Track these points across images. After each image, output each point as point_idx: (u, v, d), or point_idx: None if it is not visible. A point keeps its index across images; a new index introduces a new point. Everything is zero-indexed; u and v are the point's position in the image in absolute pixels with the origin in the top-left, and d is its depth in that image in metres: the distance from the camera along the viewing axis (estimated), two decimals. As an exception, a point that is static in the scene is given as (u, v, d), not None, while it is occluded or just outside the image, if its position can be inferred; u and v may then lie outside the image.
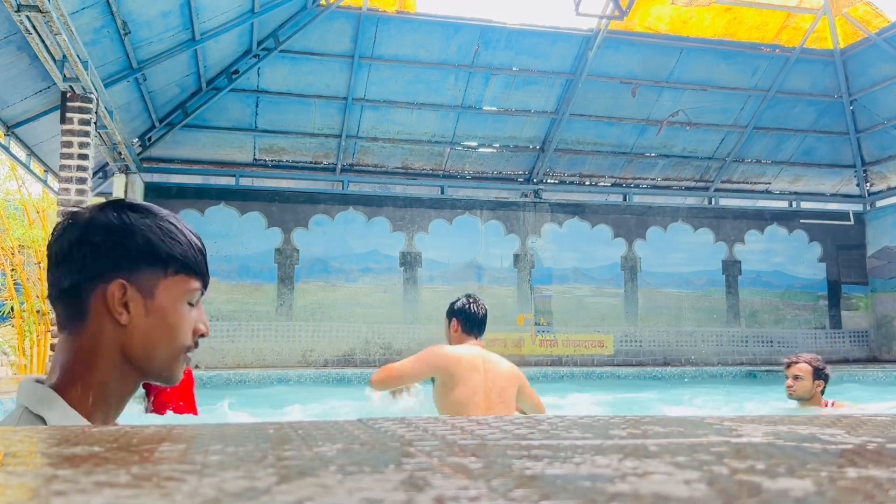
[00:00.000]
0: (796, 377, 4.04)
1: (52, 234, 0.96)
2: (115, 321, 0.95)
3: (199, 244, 1.03)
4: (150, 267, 0.96)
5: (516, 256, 9.82)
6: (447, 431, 0.63)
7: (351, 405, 5.31)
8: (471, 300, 3.91)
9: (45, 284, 0.99)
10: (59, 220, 1.00)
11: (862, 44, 9.30)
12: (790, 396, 4.07)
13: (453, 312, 3.90)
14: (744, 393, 7.04)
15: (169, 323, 0.99)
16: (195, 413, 3.80)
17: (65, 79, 5.39)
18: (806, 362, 4.07)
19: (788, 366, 4.14)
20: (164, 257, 0.97)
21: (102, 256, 0.94)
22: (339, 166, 9.64)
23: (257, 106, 9.00)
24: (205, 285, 1.04)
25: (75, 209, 0.99)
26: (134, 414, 3.56)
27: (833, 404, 4.22)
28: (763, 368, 9.25)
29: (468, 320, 3.92)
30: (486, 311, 3.94)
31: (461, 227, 9.71)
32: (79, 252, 0.93)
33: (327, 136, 9.42)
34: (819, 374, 4.02)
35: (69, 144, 5.58)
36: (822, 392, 4.05)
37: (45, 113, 6.83)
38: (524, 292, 9.74)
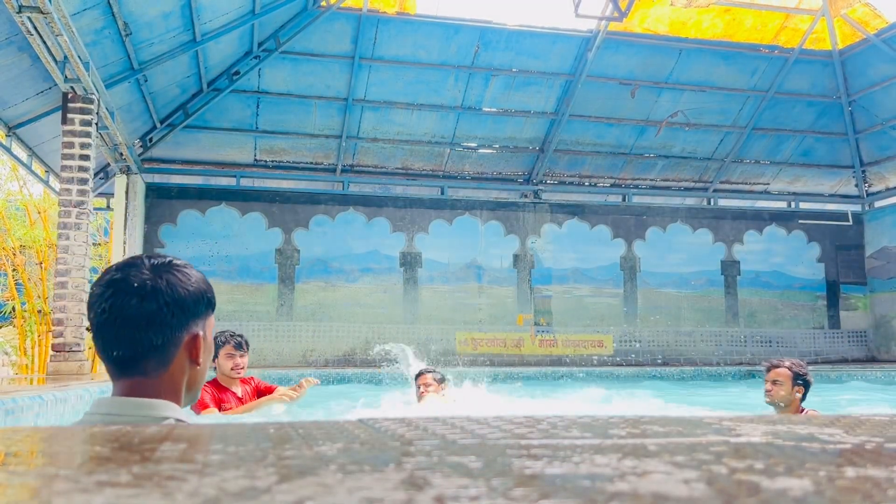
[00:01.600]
0: (774, 382, 3.79)
1: (126, 297, 1.10)
2: (193, 364, 1.17)
3: None
4: (206, 312, 1.19)
5: (516, 257, 9.82)
6: (447, 431, 0.64)
7: (351, 405, 5.30)
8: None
9: (130, 345, 1.11)
10: (132, 281, 1.11)
11: (860, 45, 9.30)
12: (768, 402, 3.82)
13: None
14: (743, 393, 7.04)
15: (210, 354, 1.22)
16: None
17: (66, 80, 5.40)
18: (786, 367, 3.81)
19: (768, 370, 3.88)
20: (212, 303, 1.20)
21: (184, 315, 1.13)
22: (340, 167, 9.64)
23: (258, 107, 9.00)
24: None
25: (124, 275, 1.12)
26: None
27: (807, 413, 3.85)
28: (762, 369, 9.24)
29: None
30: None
31: (461, 227, 9.71)
32: (167, 314, 1.11)
33: (328, 137, 9.42)
34: (798, 380, 3.77)
35: (70, 145, 5.58)
36: (802, 399, 3.80)
37: (47, 114, 6.83)
38: (524, 292, 9.74)
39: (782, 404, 3.78)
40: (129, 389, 1.12)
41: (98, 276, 1.17)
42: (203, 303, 1.16)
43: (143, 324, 1.09)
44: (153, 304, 1.09)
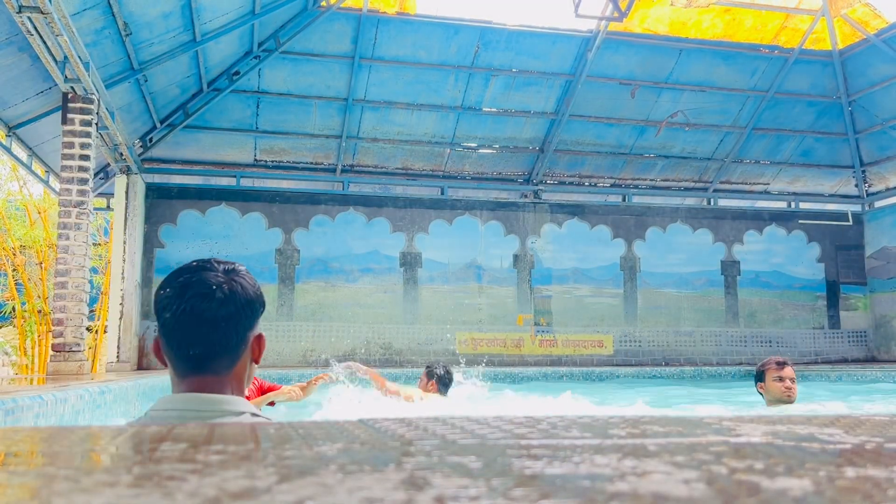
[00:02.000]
0: (794, 379, 3.63)
1: (206, 300, 1.19)
2: (253, 361, 1.28)
3: None
4: (261, 313, 1.29)
5: (516, 257, 9.82)
6: (447, 431, 0.64)
7: (351, 405, 5.30)
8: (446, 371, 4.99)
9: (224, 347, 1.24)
10: (210, 284, 1.21)
11: (860, 45, 9.30)
12: (789, 400, 3.60)
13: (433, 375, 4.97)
14: (743, 393, 7.03)
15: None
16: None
17: (66, 80, 5.40)
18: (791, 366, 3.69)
19: (782, 366, 3.69)
20: (265, 304, 1.30)
21: (253, 316, 1.24)
22: (340, 167, 9.64)
23: (258, 107, 9.00)
24: None
25: (200, 278, 1.21)
26: None
27: None
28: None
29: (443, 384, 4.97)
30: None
31: (461, 227, 9.71)
32: (241, 316, 1.21)
33: (328, 137, 9.42)
34: None
35: (70, 145, 5.58)
36: None
37: (47, 114, 6.83)
38: (524, 293, 9.74)
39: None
40: (201, 386, 1.20)
41: (166, 277, 1.25)
42: (262, 304, 1.28)
43: (222, 325, 1.19)
44: (231, 307, 1.20)
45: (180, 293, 1.18)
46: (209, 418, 1.14)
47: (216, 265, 1.22)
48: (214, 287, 1.18)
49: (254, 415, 1.19)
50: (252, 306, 1.23)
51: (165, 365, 1.25)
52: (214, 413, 1.16)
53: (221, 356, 1.20)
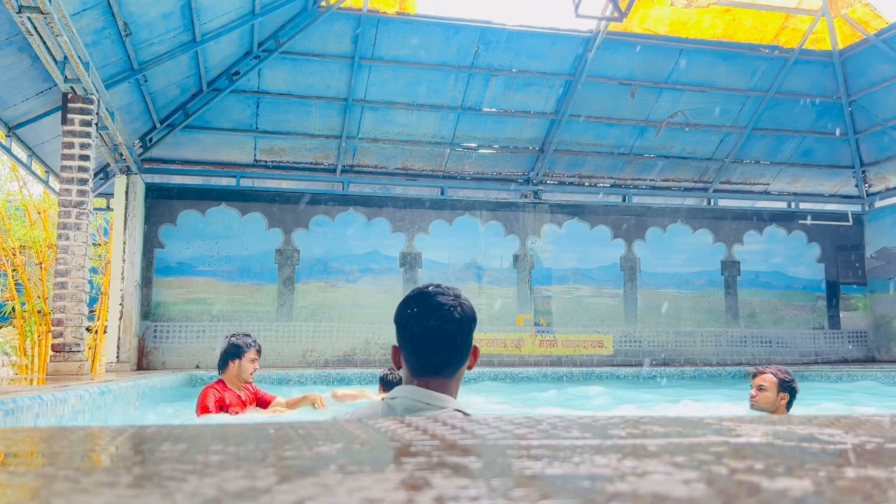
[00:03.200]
0: (760, 388, 3.79)
1: (445, 323, 1.54)
2: (467, 367, 1.63)
3: None
4: None
5: (516, 257, 9.82)
6: (447, 431, 0.64)
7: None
8: None
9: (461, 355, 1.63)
10: (436, 310, 1.58)
11: (860, 45, 9.30)
12: (752, 407, 3.81)
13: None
14: (743, 393, 7.02)
15: None
16: None
17: (66, 80, 5.40)
18: (772, 373, 3.79)
19: (754, 376, 3.88)
20: None
21: (472, 332, 1.60)
22: (340, 167, 9.64)
23: (258, 107, 9.00)
24: None
25: (440, 303, 1.57)
26: None
27: None
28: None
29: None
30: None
31: (461, 227, 9.71)
32: (469, 332, 1.59)
33: (328, 137, 9.42)
34: (784, 387, 3.75)
35: (70, 145, 5.58)
36: (788, 406, 3.76)
37: (47, 114, 6.83)
38: (524, 293, 9.74)
39: (767, 410, 3.76)
40: (434, 385, 1.54)
41: (407, 295, 1.61)
42: (476, 320, 1.62)
43: (459, 341, 1.55)
44: (467, 327, 1.56)
45: (424, 314, 1.54)
46: (432, 410, 1.50)
47: (449, 291, 1.59)
48: (456, 315, 1.55)
49: (458, 411, 1.51)
50: (473, 324, 1.58)
51: (400, 367, 1.61)
52: (435, 407, 1.50)
53: (452, 364, 1.56)
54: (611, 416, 0.78)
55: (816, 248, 10.77)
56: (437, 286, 1.59)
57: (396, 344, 1.60)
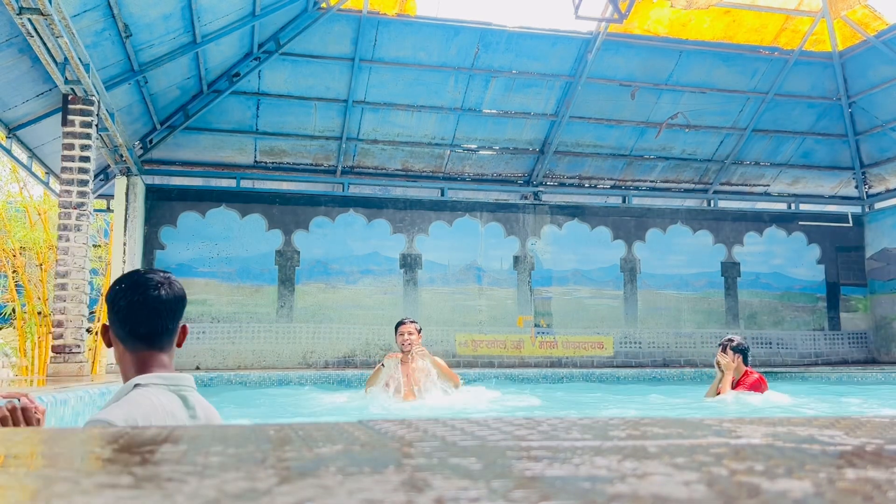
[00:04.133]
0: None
1: (161, 292, 1.65)
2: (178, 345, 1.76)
3: None
4: None
5: (516, 258, 9.82)
6: (447, 432, 0.64)
7: (352, 405, 5.30)
8: None
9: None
10: (156, 279, 1.70)
11: (860, 46, 9.31)
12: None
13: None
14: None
15: None
16: None
17: (66, 81, 5.40)
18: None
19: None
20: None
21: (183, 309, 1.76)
22: (340, 168, 9.65)
23: (258, 108, 9.01)
24: None
25: (157, 275, 1.67)
26: None
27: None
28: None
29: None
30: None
31: (461, 228, 9.71)
32: (180, 304, 1.70)
33: (328, 139, 9.42)
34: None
35: (70, 147, 5.58)
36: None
37: (47, 115, 6.83)
38: (524, 294, 9.74)
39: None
40: (149, 360, 1.62)
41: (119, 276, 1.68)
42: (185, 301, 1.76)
43: (164, 316, 1.63)
44: (172, 305, 1.64)
45: (133, 288, 1.61)
46: (172, 386, 1.59)
47: (159, 272, 1.65)
48: (158, 285, 1.61)
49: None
50: (180, 303, 1.65)
51: (110, 345, 1.68)
52: (173, 384, 1.60)
53: (160, 336, 1.62)
54: (611, 418, 0.78)
55: (816, 250, 10.77)
56: (149, 269, 1.68)
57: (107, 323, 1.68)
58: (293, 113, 9.10)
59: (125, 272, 1.70)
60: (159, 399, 1.54)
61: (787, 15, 9.06)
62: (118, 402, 1.54)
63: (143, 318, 1.60)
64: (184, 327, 1.69)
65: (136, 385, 1.58)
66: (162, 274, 1.65)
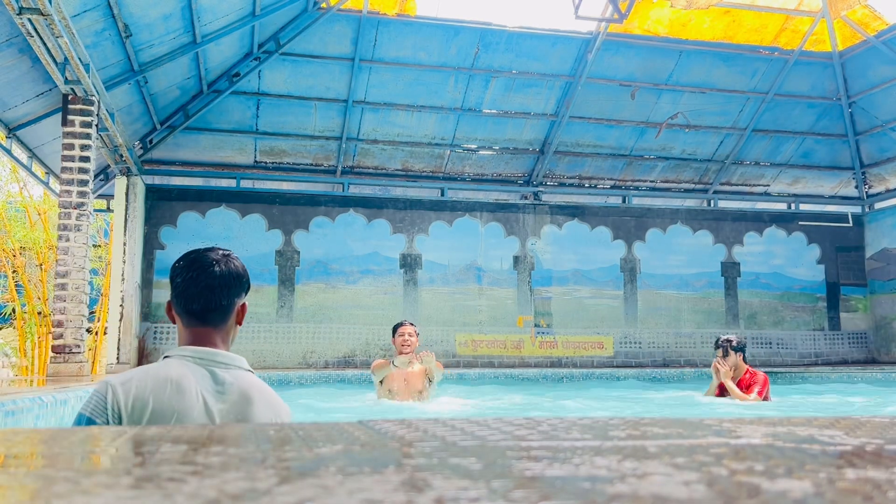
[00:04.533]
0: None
1: (216, 269, 1.68)
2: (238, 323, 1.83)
3: None
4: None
5: (516, 258, 9.82)
6: (447, 432, 0.64)
7: (352, 406, 5.30)
8: None
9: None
10: (214, 257, 1.74)
11: (860, 46, 9.31)
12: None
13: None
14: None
15: None
16: None
17: (66, 81, 5.40)
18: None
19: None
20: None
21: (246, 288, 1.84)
22: (340, 168, 9.64)
23: (258, 108, 9.01)
24: None
25: (215, 254, 1.70)
26: None
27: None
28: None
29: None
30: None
31: (461, 228, 9.71)
32: (238, 281, 1.74)
33: (328, 139, 9.42)
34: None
35: (70, 147, 5.58)
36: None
37: (47, 115, 6.83)
38: (524, 294, 9.74)
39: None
40: (203, 336, 1.65)
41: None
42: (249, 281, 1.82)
43: (219, 293, 1.65)
44: (228, 281, 1.68)
45: (190, 265, 1.63)
46: (212, 364, 1.59)
47: (218, 250, 1.68)
48: (215, 262, 1.63)
49: (243, 368, 1.63)
50: (239, 280, 1.67)
51: (174, 322, 1.68)
52: (211, 361, 1.60)
53: (216, 313, 1.64)
54: (611, 418, 0.78)
55: (816, 250, 10.77)
56: (211, 247, 1.69)
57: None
58: (293, 113, 9.10)
59: (187, 251, 1.70)
60: (175, 370, 1.54)
61: (787, 15, 9.06)
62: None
63: (196, 294, 1.61)
64: (243, 305, 1.70)
65: (165, 356, 1.62)
66: (221, 252, 1.67)
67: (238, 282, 1.66)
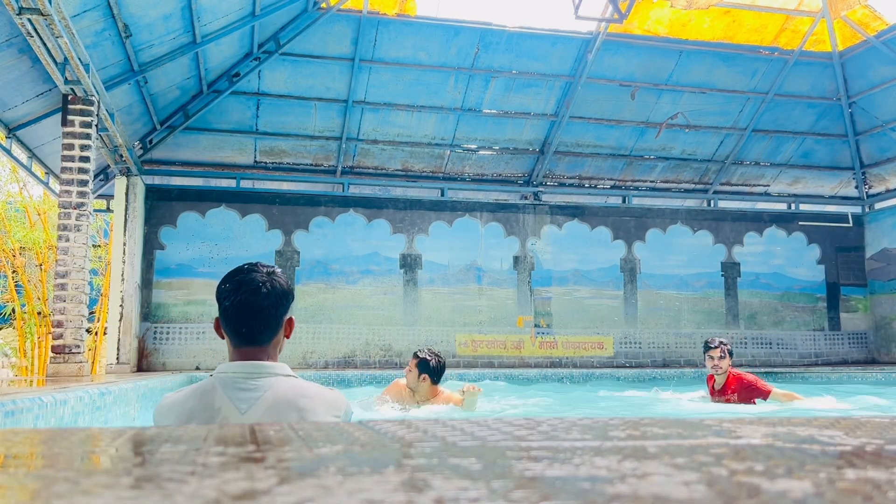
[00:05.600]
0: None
1: (263, 290, 1.70)
2: (286, 336, 1.85)
3: None
4: None
5: (516, 258, 9.82)
6: (447, 433, 0.64)
7: (352, 406, 5.28)
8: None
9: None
10: (259, 278, 1.76)
11: (860, 46, 9.31)
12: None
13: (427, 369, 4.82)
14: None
15: None
16: None
17: (66, 81, 5.40)
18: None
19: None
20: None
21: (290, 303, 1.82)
22: (340, 168, 9.65)
23: (258, 108, 9.01)
24: None
25: (260, 274, 1.71)
26: None
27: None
28: (762, 370, 9.23)
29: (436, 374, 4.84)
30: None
31: (461, 229, 9.71)
32: (285, 299, 1.76)
33: (328, 139, 9.42)
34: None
35: (70, 147, 5.58)
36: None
37: (47, 115, 6.83)
38: (524, 294, 9.74)
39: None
40: (250, 354, 1.67)
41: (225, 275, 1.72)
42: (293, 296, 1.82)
43: (268, 313, 1.68)
44: (276, 300, 1.69)
45: (238, 288, 1.64)
46: (257, 378, 1.61)
47: (262, 268, 1.68)
48: (261, 284, 1.64)
49: (286, 375, 1.65)
50: (286, 298, 1.68)
51: (223, 338, 1.70)
52: (258, 374, 1.62)
53: (265, 334, 1.66)
54: (611, 418, 0.78)
55: (816, 250, 10.77)
56: (255, 264, 1.70)
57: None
58: (293, 113, 9.10)
59: (232, 269, 1.71)
60: (208, 387, 1.60)
61: (787, 15, 9.06)
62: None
63: (246, 318, 1.63)
64: (290, 320, 1.72)
65: (210, 374, 1.67)
66: (265, 270, 1.67)
67: (285, 299, 1.68)
